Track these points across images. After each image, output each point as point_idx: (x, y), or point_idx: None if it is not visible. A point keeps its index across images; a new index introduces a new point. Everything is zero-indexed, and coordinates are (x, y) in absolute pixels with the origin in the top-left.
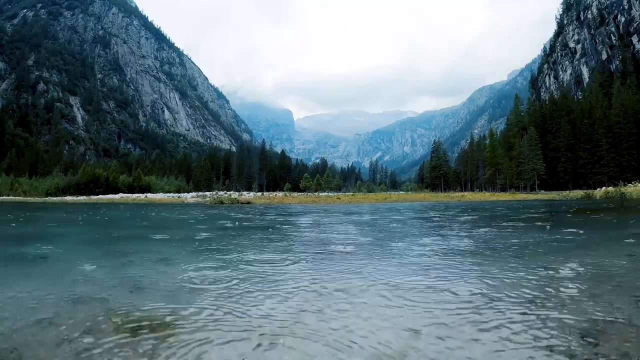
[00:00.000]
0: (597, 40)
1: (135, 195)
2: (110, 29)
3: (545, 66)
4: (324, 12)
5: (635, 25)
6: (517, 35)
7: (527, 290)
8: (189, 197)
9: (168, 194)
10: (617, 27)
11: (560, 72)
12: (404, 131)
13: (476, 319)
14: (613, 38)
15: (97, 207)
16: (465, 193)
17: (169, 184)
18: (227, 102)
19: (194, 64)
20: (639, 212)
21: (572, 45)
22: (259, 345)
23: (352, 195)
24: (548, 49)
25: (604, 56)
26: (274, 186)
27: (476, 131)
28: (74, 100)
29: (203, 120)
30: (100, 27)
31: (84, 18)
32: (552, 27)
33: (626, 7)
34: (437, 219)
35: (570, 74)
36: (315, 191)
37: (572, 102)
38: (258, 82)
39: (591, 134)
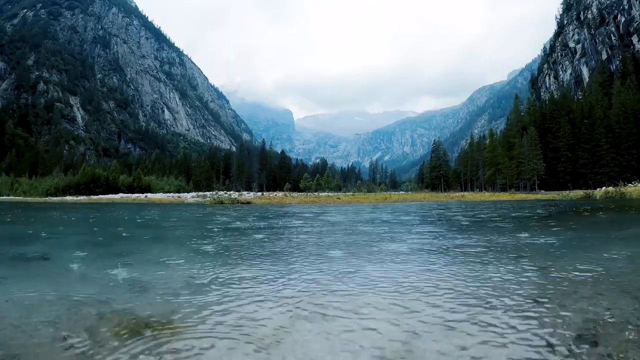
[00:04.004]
0: (597, 40)
1: (135, 195)
2: (110, 29)
3: (545, 66)
4: (324, 12)
5: (635, 25)
6: (517, 35)
7: (526, 290)
8: (189, 197)
9: (168, 194)
10: (617, 27)
11: (560, 72)
12: (404, 131)
13: (476, 319)
14: (613, 38)
15: (97, 207)
16: (465, 193)
17: (169, 184)
18: (227, 102)
19: (194, 63)
20: (638, 212)
21: (572, 45)
22: (259, 345)
23: (352, 195)
24: (548, 49)
25: (604, 56)
26: (274, 186)
27: (476, 131)
28: (74, 100)
29: (203, 120)
30: (100, 27)
31: (84, 18)
32: (552, 27)
33: (626, 7)
34: (436, 219)
35: (570, 74)
36: (315, 191)
37: (572, 102)
38: (258, 82)
39: (591, 134)
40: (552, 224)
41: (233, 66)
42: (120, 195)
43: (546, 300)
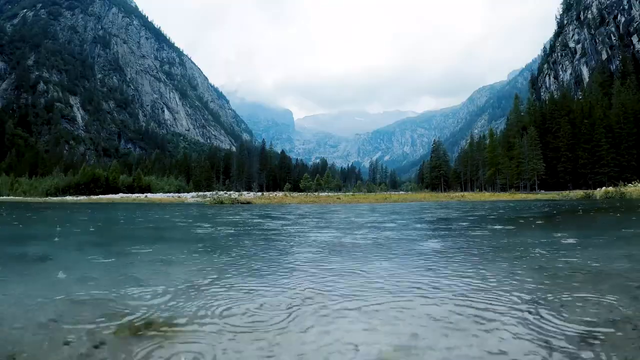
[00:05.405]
0: (597, 40)
1: (135, 195)
2: (110, 29)
3: (545, 66)
4: (324, 12)
5: (635, 25)
6: (517, 35)
7: (526, 291)
8: (189, 197)
9: (168, 194)
10: (617, 27)
11: (560, 72)
12: (404, 131)
13: (475, 319)
14: (613, 38)
15: (97, 207)
16: (465, 193)
17: (169, 184)
18: (227, 102)
19: (194, 63)
20: (638, 212)
21: (572, 45)
22: (259, 346)
23: (352, 195)
24: (548, 49)
25: (604, 56)
26: (274, 186)
27: (476, 131)
28: (74, 100)
29: (203, 120)
30: (100, 27)
31: (84, 18)
32: (552, 27)
33: (626, 7)
34: (436, 219)
35: (570, 74)
36: (315, 191)
37: (572, 102)
38: (258, 82)
39: (591, 134)
40: (552, 223)
41: (233, 66)
42: (120, 195)
43: (546, 300)
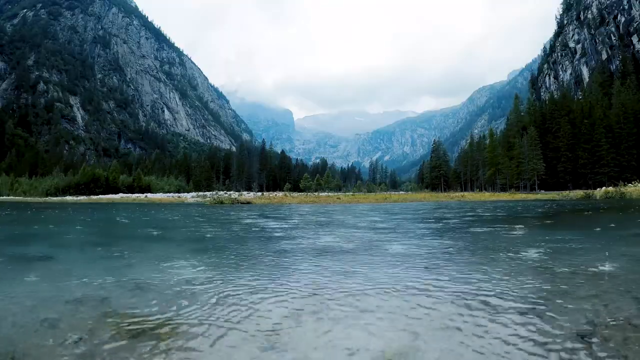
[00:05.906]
0: (597, 40)
1: (135, 195)
2: (110, 29)
3: (545, 66)
4: (324, 12)
5: (635, 25)
6: (517, 35)
7: (526, 290)
8: (189, 197)
9: (168, 194)
10: (617, 27)
11: (560, 72)
12: (404, 131)
13: (475, 320)
14: (613, 38)
15: (97, 207)
16: (465, 193)
17: (169, 184)
18: (227, 102)
19: (194, 63)
20: (638, 212)
21: (572, 45)
22: (259, 347)
23: (352, 195)
24: (548, 49)
25: (604, 56)
26: (274, 186)
27: (476, 131)
28: (74, 100)
29: (203, 120)
30: (100, 27)
31: (84, 18)
32: (552, 27)
33: (626, 7)
34: (436, 219)
35: (570, 74)
36: (316, 191)
37: (572, 102)
38: (258, 82)
39: (591, 134)
40: (552, 224)
41: (233, 66)
42: (120, 195)
43: (546, 300)
